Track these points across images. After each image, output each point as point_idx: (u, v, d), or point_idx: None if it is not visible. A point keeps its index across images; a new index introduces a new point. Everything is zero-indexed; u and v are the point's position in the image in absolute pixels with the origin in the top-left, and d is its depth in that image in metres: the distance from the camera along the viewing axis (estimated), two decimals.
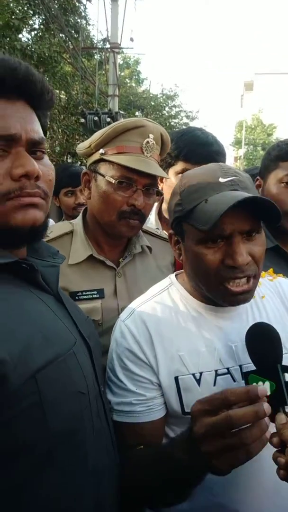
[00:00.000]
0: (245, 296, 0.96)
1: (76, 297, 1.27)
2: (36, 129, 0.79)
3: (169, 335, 1.01)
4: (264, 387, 0.75)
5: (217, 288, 0.96)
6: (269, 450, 0.74)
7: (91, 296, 1.29)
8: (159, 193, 1.74)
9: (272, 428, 0.74)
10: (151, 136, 1.28)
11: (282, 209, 1.49)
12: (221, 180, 0.95)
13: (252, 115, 35.20)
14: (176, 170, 1.66)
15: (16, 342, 0.67)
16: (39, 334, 0.73)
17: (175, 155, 1.66)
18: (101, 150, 1.29)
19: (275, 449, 0.75)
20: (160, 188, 1.81)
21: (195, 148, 1.62)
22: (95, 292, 1.30)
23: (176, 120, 20.80)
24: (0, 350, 0.63)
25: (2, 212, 0.74)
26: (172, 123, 19.67)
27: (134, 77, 22.11)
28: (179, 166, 1.66)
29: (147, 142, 1.27)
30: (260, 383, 0.82)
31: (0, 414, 0.63)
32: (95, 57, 14.85)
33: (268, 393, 0.79)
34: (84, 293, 1.28)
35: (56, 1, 11.47)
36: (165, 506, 0.98)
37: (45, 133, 0.86)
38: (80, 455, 0.75)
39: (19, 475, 0.65)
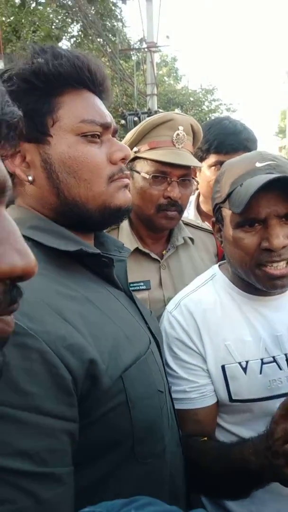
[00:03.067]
0: (283, 281, 0.95)
1: None
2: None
3: (215, 325, 1.03)
4: None
5: (255, 272, 0.96)
6: None
7: (138, 288, 1.33)
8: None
9: None
10: (180, 128, 1.31)
11: None
12: (258, 165, 0.96)
13: None
14: (209, 163, 1.69)
15: (106, 342, 0.69)
16: (122, 333, 0.75)
17: (206, 149, 1.67)
18: (135, 149, 1.34)
19: None
20: (197, 183, 1.84)
21: (225, 138, 1.63)
22: (142, 284, 1.34)
23: (217, 114, 20.54)
24: (92, 351, 0.65)
25: (107, 193, 0.79)
26: (213, 117, 19.46)
27: (172, 74, 22.05)
28: (212, 158, 1.68)
29: (177, 134, 1.30)
30: None
31: (91, 413, 0.65)
32: (133, 58, 14.98)
33: None
34: (131, 285, 1.32)
35: (92, 8, 11.70)
36: (221, 498, 1.01)
37: None
38: (160, 449, 0.77)
39: (106, 467, 0.68)
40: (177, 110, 18.93)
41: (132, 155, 1.34)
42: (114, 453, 0.69)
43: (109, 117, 0.81)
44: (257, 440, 0.84)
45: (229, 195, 0.97)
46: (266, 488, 0.87)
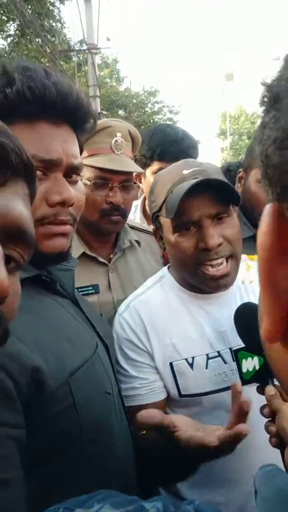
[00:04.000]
0: (225, 280, 1.00)
1: None
2: (76, 154, 0.80)
3: (162, 325, 1.08)
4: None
5: (196, 273, 1.01)
6: (260, 421, 0.82)
7: (87, 292, 1.34)
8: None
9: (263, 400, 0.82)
10: (118, 134, 1.34)
11: (258, 208, 1.56)
12: (184, 172, 1.02)
13: (235, 105, 35.25)
14: (153, 170, 1.73)
15: (50, 350, 0.70)
16: (66, 340, 0.76)
17: (150, 156, 1.72)
18: None
19: (266, 420, 0.82)
20: (140, 188, 1.89)
21: (167, 146, 1.67)
22: (91, 288, 1.36)
23: (160, 116, 20.87)
24: (37, 358, 0.66)
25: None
26: (156, 119, 19.74)
27: (114, 76, 22.12)
28: (155, 166, 1.72)
29: (116, 141, 1.34)
30: (249, 358, 0.89)
31: (38, 417, 0.65)
32: (73, 59, 14.85)
33: (257, 367, 0.87)
34: (80, 289, 1.34)
35: (29, 6, 11.45)
36: (172, 482, 1.05)
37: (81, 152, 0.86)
38: (108, 449, 0.79)
39: (54, 470, 0.69)
40: (120, 112, 19.02)
41: None
42: (64, 454, 0.70)
43: (60, 154, 0.76)
44: None
45: (163, 203, 1.03)
46: (214, 475, 0.92)
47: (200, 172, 1.00)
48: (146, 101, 21.06)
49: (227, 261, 1.01)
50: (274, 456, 0.76)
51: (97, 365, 0.82)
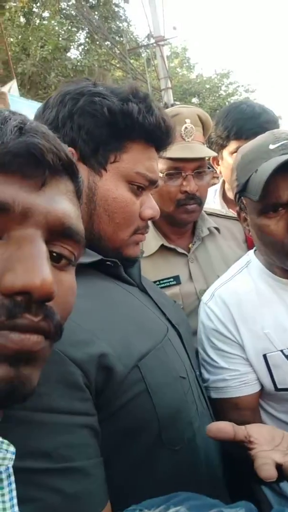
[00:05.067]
0: None
1: None
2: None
3: (252, 314, 1.02)
4: None
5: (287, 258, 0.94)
6: None
7: (168, 284, 1.34)
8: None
9: None
10: (187, 121, 1.31)
11: None
12: (271, 147, 0.93)
13: None
14: (230, 151, 1.65)
15: (116, 335, 0.71)
16: (134, 325, 0.77)
17: (226, 136, 1.64)
18: None
19: None
20: (218, 170, 1.81)
21: (244, 123, 1.58)
22: (172, 280, 1.35)
23: (235, 97, 20.12)
24: (103, 344, 0.67)
25: (126, 242, 0.85)
26: (232, 101, 19.09)
27: (184, 64, 21.82)
28: (232, 145, 1.64)
29: (185, 128, 1.31)
30: None
31: (112, 403, 0.67)
32: (143, 55, 14.96)
33: None
34: (161, 282, 1.34)
35: (96, 13, 11.79)
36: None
37: None
38: (189, 435, 0.78)
39: (136, 455, 0.70)
40: (194, 100, 18.74)
41: None
42: (141, 440, 0.70)
43: (158, 176, 0.88)
44: None
45: (246, 183, 0.95)
46: None
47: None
48: (220, 84, 20.45)
49: None
50: None
51: (169, 349, 0.81)
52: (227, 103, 18.46)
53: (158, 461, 0.72)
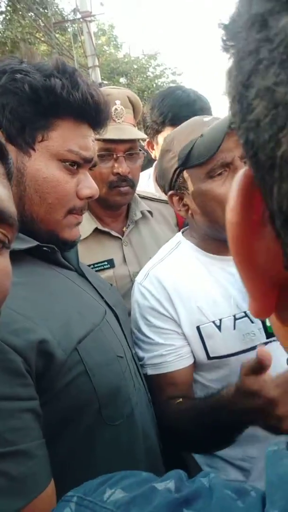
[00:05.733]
0: None
1: None
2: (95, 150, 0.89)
3: (185, 290, 1.06)
4: None
5: None
6: None
7: (102, 267, 1.34)
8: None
9: None
10: (117, 102, 1.30)
11: None
12: (205, 119, 1.00)
13: None
14: (165, 136, 1.67)
15: (56, 321, 0.72)
16: (72, 309, 0.78)
17: (161, 121, 1.65)
18: None
19: None
20: (153, 155, 1.83)
21: (179, 110, 1.60)
22: (106, 263, 1.35)
23: (163, 79, 20.23)
24: (42, 331, 0.68)
25: (61, 224, 0.83)
26: (159, 83, 19.15)
27: (112, 42, 21.40)
28: (167, 131, 1.65)
29: (115, 109, 1.30)
30: None
31: (53, 386, 0.69)
32: (69, 30, 14.43)
33: None
34: (95, 265, 1.34)
35: None
36: (206, 452, 1.07)
37: None
38: (128, 411, 0.81)
39: (78, 433, 0.72)
40: (121, 80, 18.52)
41: None
42: (82, 418, 0.73)
43: (93, 153, 0.85)
44: (231, 391, 0.89)
45: (189, 153, 0.99)
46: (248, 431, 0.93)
47: (219, 119, 0.98)
48: (147, 65, 20.39)
49: None
50: None
51: (106, 330, 0.84)
52: (154, 84, 18.53)
53: (98, 437, 0.75)
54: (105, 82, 11.98)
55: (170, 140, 1.06)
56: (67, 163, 0.81)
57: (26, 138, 0.78)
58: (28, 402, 0.64)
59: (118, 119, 1.30)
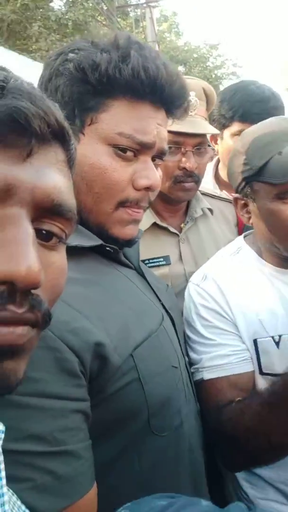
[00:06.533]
0: None
1: None
2: (166, 138, 0.79)
3: (246, 299, 1.01)
4: None
5: None
6: None
7: (158, 264, 1.30)
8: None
9: None
10: (192, 93, 1.23)
11: None
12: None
13: None
14: (232, 132, 1.57)
15: (113, 322, 0.69)
16: (131, 312, 0.75)
17: (230, 116, 1.56)
18: None
19: None
20: (215, 150, 1.75)
21: (251, 106, 1.51)
22: (161, 259, 1.31)
23: (223, 70, 19.78)
24: (100, 333, 0.66)
25: (110, 218, 0.75)
26: (219, 74, 18.74)
27: (173, 29, 21.08)
28: (235, 127, 1.56)
29: (189, 101, 1.24)
30: None
31: (105, 389, 0.67)
32: (131, 15, 14.35)
33: None
34: (151, 261, 1.30)
35: None
36: (263, 464, 0.96)
37: None
38: (177, 423, 0.78)
39: (124, 440, 0.70)
40: (180, 68, 18.28)
41: None
42: (130, 426, 0.71)
43: (155, 137, 0.74)
44: None
45: (263, 166, 0.92)
46: None
47: None
48: (208, 55, 19.96)
49: None
50: None
51: (163, 338, 0.80)
52: (213, 75, 18.15)
53: (144, 446, 0.73)
54: None
55: (246, 143, 0.98)
56: (117, 149, 0.72)
57: (76, 121, 0.71)
58: (80, 403, 0.62)
59: (191, 111, 1.23)
